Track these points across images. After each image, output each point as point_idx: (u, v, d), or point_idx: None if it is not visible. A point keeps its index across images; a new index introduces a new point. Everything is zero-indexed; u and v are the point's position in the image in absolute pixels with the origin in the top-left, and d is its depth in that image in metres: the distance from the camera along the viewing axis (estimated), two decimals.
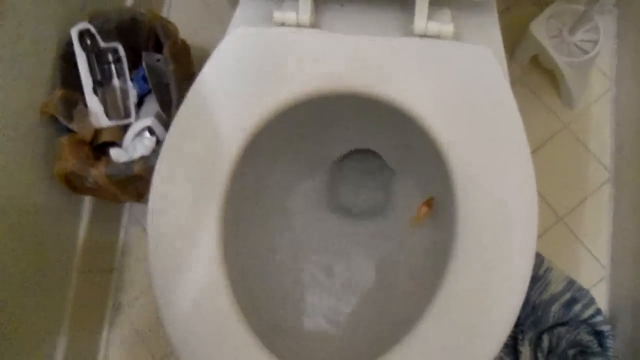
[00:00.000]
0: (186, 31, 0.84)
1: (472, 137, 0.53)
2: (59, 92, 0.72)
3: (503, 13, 0.62)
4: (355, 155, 0.79)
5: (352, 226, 0.77)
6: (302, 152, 0.74)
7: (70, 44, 0.75)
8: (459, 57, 0.55)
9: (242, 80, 0.57)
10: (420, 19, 0.56)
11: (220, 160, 0.56)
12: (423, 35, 0.57)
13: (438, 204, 0.65)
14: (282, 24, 0.59)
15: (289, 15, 0.58)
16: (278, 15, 0.59)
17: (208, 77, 0.58)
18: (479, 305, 0.50)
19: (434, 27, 0.56)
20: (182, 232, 0.54)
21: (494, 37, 0.58)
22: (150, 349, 0.92)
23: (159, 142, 0.76)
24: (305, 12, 0.58)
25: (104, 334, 0.92)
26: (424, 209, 0.67)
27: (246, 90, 0.56)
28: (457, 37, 0.57)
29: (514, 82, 0.59)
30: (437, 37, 0.56)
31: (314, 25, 0.60)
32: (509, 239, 0.51)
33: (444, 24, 0.56)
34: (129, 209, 0.98)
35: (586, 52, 0.87)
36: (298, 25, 0.59)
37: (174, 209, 0.55)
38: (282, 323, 0.66)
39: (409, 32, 0.58)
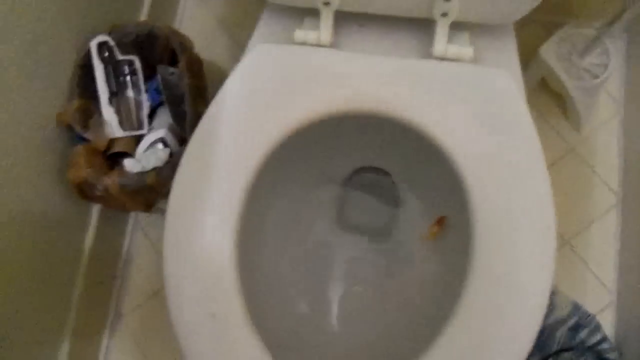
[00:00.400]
0: (198, 44, 0.85)
1: (490, 162, 0.53)
2: (76, 102, 0.73)
3: None
4: (365, 173, 0.79)
5: (361, 243, 0.78)
6: (314, 169, 0.75)
7: (88, 54, 0.76)
8: (479, 80, 0.55)
9: (263, 96, 0.57)
10: (441, 42, 0.57)
11: (237, 176, 0.56)
12: (442, 58, 0.57)
13: (450, 224, 0.65)
14: (303, 43, 0.60)
15: (311, 35, 0.59)
16: (300, 34, 0.59)
17: (230, 92, 0.58)
18: (493, 330, 0.50)
19: (453, 50, 0.57)
20: (198, 237, 0.54)
21: (512, 61, 0.59)
22: (149, 358, 0.92)
23: (171, 154, 0.77)
24: (326, 32, 0.59)
25: (104, 341, 0.93)
26: (436, 227, 0.67)
27: (267, 107, 0.57)
28: (475, 60, 0.58)
29: None
30: (456, 60, 0.57)
31: (333, 45, 0.61)
32: (525, 264, 0.51)
33: (464, 47, 0.57)
34: (134, 218, 0.99)
35: (596, 76, 0.88)
36: (319, 44, 0.60)
37: (191, 218, 0.55)
38: (289, 338, 0.66)
39: (427, 54, 0.59)
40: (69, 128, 0.75)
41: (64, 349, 0.81)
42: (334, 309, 0.72)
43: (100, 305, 0.92)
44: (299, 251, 0.75)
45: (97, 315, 0.91)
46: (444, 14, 0.56)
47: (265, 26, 0.64)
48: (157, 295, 0.95)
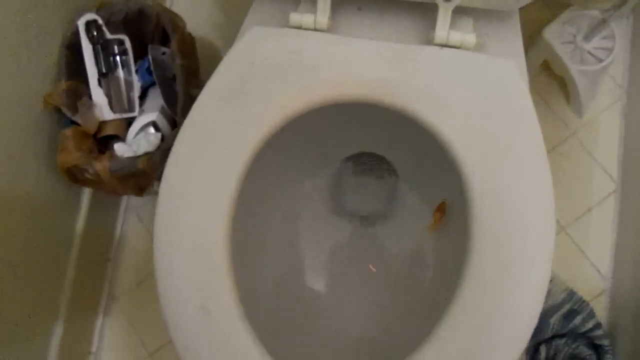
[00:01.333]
0: (190, 22, 0.82)
1: (489, 151, 0.51)
2: (64, 84, 0.71)
3: None
4: (361, 158, 0.78)
5: (356, 229, 0.77)
6: (310, 154, 0.73)
7: (76, 33, 0.73)
8: (481, 69, 0.53)
9: (257, 82, 0.55)
10: (442, 28, 0.54)
11: (231, 163, 0.54)
12: (444, 45, 0.55)
13: (449, 210, 0.64)
14: (299, 27, 0.57)
15: (307, 18, 0.56)
16: (295, 17, 0.57)
17: (222, 77, 0.56)
18: (494, 318, 0.49)
19: (456, 37, 0.54)
20: (189, 229, 0.53)
21: (516, 49, 0.56)
22: (143, 340, 0.92)
23: (163, 138, 0.75)
24: (323, 15, 0.56)
25: (98, 323, 0.93)
26: (438, 214, 0.66)
27: (261, 93, 0.55)
28: (478, 47, 0.56)
29: None
30: (459, 47, 0.55)
31: (330, 29, 0.58)
32: (525, 253, 0.50)
33: (466, 34, 0.54)
34: (127, 201, 0.98)
35: (599, 60, 0.86)
36: (315, 28, 0.57)
37: (184, 207, 0.54)
38: (283, 328, 0.65)
39: (428, 40, 0.57)
40: (58, 110, 0.73)
41: (58, 331, 0.81)
42: (327, 294, 0.71)
43: (94, 287, 0.92)
44: (294, 237, 0.74)
45: (91, 297, 0.91)
46: None
47: (260, 8, 0.61)
48: (151, 277, 0.94)
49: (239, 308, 0.51)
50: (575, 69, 0.86)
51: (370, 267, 0.73)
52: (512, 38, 0.57)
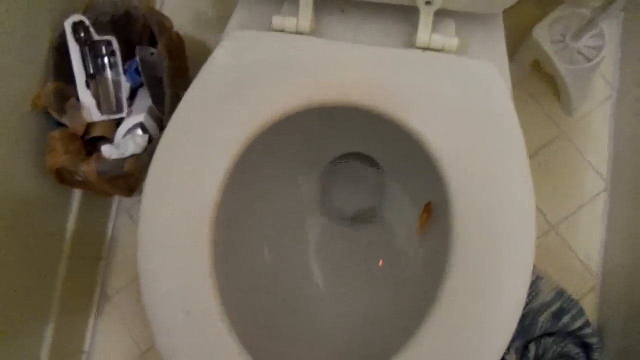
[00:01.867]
0: (181, 21, 0.82)
1: (471, 156, 0.52)
2: (51, 85, 0.71)
3: (504, 14, 0.61)
4: (349, 159, 0.78)
5: (343, 230, 0.77)
6: (294, 157, 0.73)
7: (63, 34, 0.73)
8: (463, 72, 0.53)
9: (238, 87, 0.55)
10: (424, 32, 0.54)
11: (214, 166, 0.55)
12: (426, 48, 0.55)
13: (435, 211, 0.64)
14: (282, 30, 0.57)
15: (289, 21, 0.56)
16: (277, 20, 0.57)
17: (203, 82, 0.56)
18: (474, 321, 0.49)
19: (437, 40, 0.54)
20: (172, 233, 0.53)
21: (498, 52, 0.56)
22: (136, 339, 0.93)
23: (150, 140, 0.75)
24: (305, 18, 0.56)
25: (91, 322, 0.93)
26: (425, 215, 0.66)
27: (243, 96, 0.55)
28: (460, 50, 0.56)
29: (513, 86, 0.58)
30: (441, 50, 0.55)
31: (313, 31, 0.58)
32: (505, 255, 0.50)
33: (449, 38, 0.54)
34: (118, 200, 0.98)
35: (589, 59, 0.86)
36: (297, 31, 0.57)
37: (167, 208, 0.54)
38: (269, 329, 0.66)
39: (411, 43, 0.57)
40: (45, 112, 0.73)
41: (50, 330, 0.81)
42: (313, 294, 0.72)
43: (86, 286, 0.92)
44: (280, 237, 0.74)
45: (83, 296, 0.91)
46: (428, 2, 0.53)
47: (243, 10, 0.61)
48: None
49: (220, 309, 0.52)
50: (564, 68, 0.86)
51: (380, 261, 0.73)
52: (495, 41, 0.57)
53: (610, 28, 0.91)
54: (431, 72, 0.54)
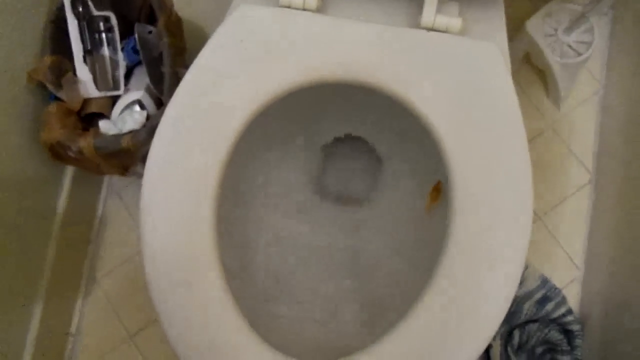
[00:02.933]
0: (177, 3, 0.81)
1: (472, 134, 0.53)
2: (48, 59, 0.70)
3: None
4: (345, 142, 0.78)
5: (338, 211, 0.78)
6: (295, 135, 0.74)
7: (61, 8, 0.72)
8: (465, 52, 0.54)
9: (244, 61, 0.56)
10: (429, 12, 0.55)
11: (218, 140, 0.55)
12: (430, 29, 0.56)
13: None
14: (288, 6, 0.58)
15: None
16: None
17: (209, 57, 0.56)
18: (468, 303, 0.50)
19: (442, 21, 0.56)
20: (177, 205, 0.53)
21: (500, 35, 0.58)
22: (123, 322, 0.92)
23: (148, 117, 0.75)
24: None
25: (78, 304, 0.92)
26: (435, 193, 0.67)
27: (248, 72, 0.55)
28: (463, 31, 0.57)
29: None
30: (444, 31, 0.56)
31: (320, 9, 0.59)
32: (503, 236, 0.52)
33: (452, 18, 0.56)
34: (108, 181, 0.97)
35: (579, 53, 0.88)
36: (304, 8, 0.58)
37: (170, 180, 0.54)
38: (267, 307, 0.66)
39: (415, 23, 0.58)
40: (42, 86, 0.72)
41: (37, 311, 0.80)
42: (307, 273, 0.72)
43: (74, 268, 0.91)
44: (276, 216, 0.74)
45: (71, 278, 0.90)
46: None
47: None
48: (132, 259, 0.94)
49: (222, 282, 0.52)
50: (555, 61, 0.88)
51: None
52: (496, 24, 0.59)
53: (600, 25, 0.94)
54: (435, 52, 0.55)
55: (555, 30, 0.89)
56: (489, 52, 0.54)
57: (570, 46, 0.89)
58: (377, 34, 0.56)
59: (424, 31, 0.56)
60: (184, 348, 0.50)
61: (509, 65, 0.56)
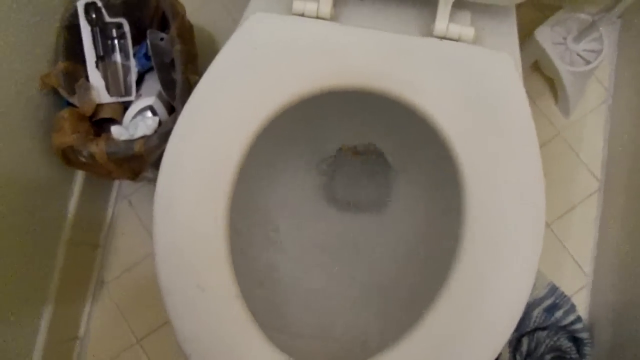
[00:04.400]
0: (188, 11, 0.82)
1: (485, 144, 0.53)
2: (61, 65, 0.71)
3: None
4: (357, 149, 0.79)
5: (346, 217, 0.78)
6: (305, 143, 0.74)
7: (74, 15, 0.73)
8: (478, 62, 0.55)
9: (258, 68, 0.56)
10: (442, 21, 0.56)
11: (230, 146, 0.55)
12: (443, 37, 0.57)
13: (442, 205, 0.65)
14: (302, 14, 0.58)
15: (310, 6, 0.57)
16: (298, 4, 0.58)
17: (223, 63, 0.57)
18: (479, 311, 0.50)
19: (454, 29, 0.56)
20: (189, 209, 0.54)
21: (511, 44, 0.58)
22: (131, 326, 0.92)
23: (160, 123, 0.75)
24: (326, 4, 0.57)
25: (86, 308, 0.92)
26: None
27: (261, 79, 0.56)
28: (476, 41, 0.58)
29: None
30: (457, 39, 0.57)
31: (333, 17, 0.59)
32: (515, 245, 0.52)
33: (465, 27, 0.56)
34: (118, 187, 0.97)
35: (588, 62, 0.88)
36: (318, 16, 0.58)
37: (183, 184, 0.54)
38: (279, 317, 0.66)
39: (428, 32, 0.58)
40: (54, 92, 0.73)
41: (46, 315, 0.80)
42: (315, 279, 0.72)
43: (83, 272, 0.91)
44: (286, 222, 0.74)
45: (80, 282, 0.91)
46: None
47: None
48: (140, 264, 0.94)
49: (235, 287, 0.52)
50: (565, 70, 0.88)
51: None
52: (508, 33, 0.59)
53: (609, 33, 0.94)
54: (447, 60, 0.55)
55: (564, 38, 0.89)
56: (502, 61, 0.54)
57: (579, 55, 0.89)
58: (391, 42, 0.56)
59: (437, 40, 0.57)
60: (194, 351, 0.50)
61: (521, 74, 0.56)
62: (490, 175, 0.53)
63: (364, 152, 0.77)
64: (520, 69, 0.57)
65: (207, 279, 0.52)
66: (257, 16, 0.58)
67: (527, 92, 0.96)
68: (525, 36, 0.92)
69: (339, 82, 0.56)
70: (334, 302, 0.70)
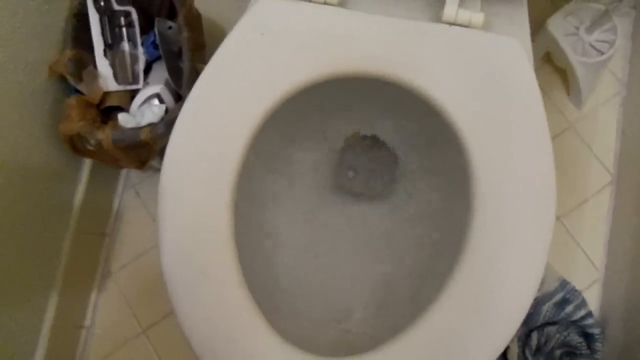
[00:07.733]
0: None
1: (494, 131, 0.52)
2: (69, 52, 0.71)
3: None
4: (364, 140, 0.78)
5: (351, 206, 0.77)
6: (313, 130, 0.74)
7: (83, 3, 0.73)
8: (488, 48, 0.54)
9: (265, 54, 0.55)
10: (451, 6, 0.55)
11: (236, 132, 0.54)
12: (452, 23, 0.56)
13: (449, 193, 0.64)
14: (309, 0, 0.58)
15: None
16: None
17: (229, 49, 0.56)
18: (486, 303, 0.50)
19: (464, 15, 0.55)
20: (195, 196, 0.53)
21: (522, 31, 0.57)
22: (137, 316, 0.92)
23: (167, 111, 0.75)
24: None
25: (92, 297, 0.92)
26: None
27: (268, 65, 0.55)
28: (485, 27, 0.56)
29: None
30: (467, 26, 0.56)
31: (341, 3, 0.59)
32: (524, 237, 0.51)
33: (475, 13, 0.55)
34: (125, 176, 0.97)
35: (601, 53, 0.87)
36: (325, 2, 0.58)
37: (187, 173, 0.54)
38: (284, 305, 0.66)
39: (437, 18, 0.57)
40: (62, 79, 0.73)
41: (52, 303, 0.81)
42: (325, 270, 0.72)
43: (90, 261, 0.91)
44: (293, 211, 0.74)
45: (86, 271, 0.91)
46: None
47: None
48: (147, 253, 0.94)
49: (239, 275, 0.52)
50: (577, 61, 0.87)
51: None
52: (519, 20, 0.58)
53: (622, 24, 0.93)
54: (457, 46, 0.54)
55: (577, 29, 0.88)
56: (512, 47, 0.53)
57: (592, 45, 0.87)
58: (399, 28, 0.56)
59: (446, 25, 0.56)
60: (198, 339, 0.50)
61: (532, 61, 0.55)
62: (499, 163, 0.52)
63: (370, 140, 0.76)
64: (531, 56, 0.56)
65: (211, 267, 0.52)
66: (264, 2, 0.57)
67: (539, 83, 0.95)
68: (537, 27, 0.90)
69: (346, 68, 0.55)
70: (339, 290, 0.69)
